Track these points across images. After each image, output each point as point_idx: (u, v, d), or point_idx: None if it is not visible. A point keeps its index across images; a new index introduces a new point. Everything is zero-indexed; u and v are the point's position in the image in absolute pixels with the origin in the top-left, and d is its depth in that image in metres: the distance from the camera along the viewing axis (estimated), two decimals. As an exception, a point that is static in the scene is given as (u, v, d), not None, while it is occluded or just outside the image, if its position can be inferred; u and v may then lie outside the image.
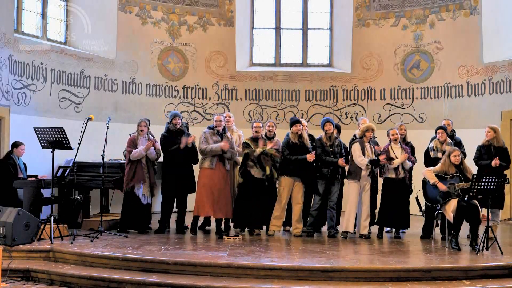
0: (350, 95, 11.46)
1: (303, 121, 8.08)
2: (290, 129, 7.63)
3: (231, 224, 7.83)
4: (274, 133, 7.85)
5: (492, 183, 6.34)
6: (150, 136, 7.77)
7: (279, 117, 11.38)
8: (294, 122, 7.66)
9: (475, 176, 6.39)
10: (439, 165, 6.96)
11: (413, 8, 11.15)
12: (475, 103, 10.43)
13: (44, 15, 10.06)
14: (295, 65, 11.94)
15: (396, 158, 7.42)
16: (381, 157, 7.39)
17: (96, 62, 10.30)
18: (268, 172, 7.46)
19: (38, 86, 9.37)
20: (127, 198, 7.64)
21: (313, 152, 7.44)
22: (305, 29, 12.00)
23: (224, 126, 7.63)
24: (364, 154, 7.43)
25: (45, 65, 9.48)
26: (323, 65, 11.93)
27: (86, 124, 6.98)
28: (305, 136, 7.63)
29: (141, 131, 7.69)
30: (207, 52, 11.38)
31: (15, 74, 8.92)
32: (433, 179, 6.81)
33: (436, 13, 10.94)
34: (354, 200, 7.49)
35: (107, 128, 7.22)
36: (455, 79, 10.73)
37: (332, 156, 7.50)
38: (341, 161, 7.43)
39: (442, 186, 6.73)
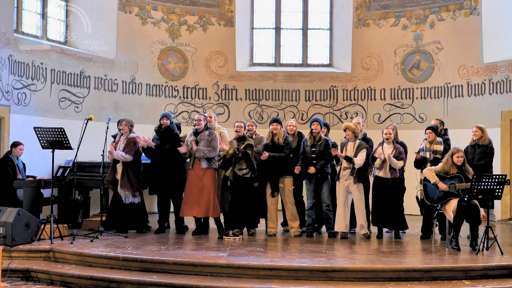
0: (350, 95, 11.45)
1: (292, 121, 8.13)
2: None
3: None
4: (255, 131, 7.88)
5: (492, 183, 6.34)
6: (132, 134, 7.66)
7: (279, 117, 11.35)
8: (272, 121, 7.70)
9: (475, 176, 6.39)
10: (440, 164, 6.95)
11: (413, 8, 11.14)
12: (475, 103, 10.43)
13: (44, 15, 10.06)
14: (295, 65, 11.94)
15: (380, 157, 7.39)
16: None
17: (96, 62, 10.31)
18: (227, 173, 7.47)
19: (38, 86, 9.37)
20: (113, 197, 7.66)
21: (265, 153, 7.41)
22: (305, 29, 12.00)
23: (206, 125, 7.56)
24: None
25: (45, 65, 9.49)
26: (323, 65, 11.92)
27: (86, 124, 6.99)
28: (280, 135, 7.54)
29: (120, 129, 7.67)
30: (207, 52, 11.38)
31: (15, 74, 8.92)
32: (434, 179, 6.80)
33: (436, 13, 10.94)
34: (341, 200, 7.51)
35: (107, 128, 7.23)
36: (455, 79, 10.73)
37: (314, 155, 7.47)
38: (296, 169, 7.46)
39: (442, 186, 6.72)
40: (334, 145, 7.67)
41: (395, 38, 11.25)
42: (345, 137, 7.64)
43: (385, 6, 11.35)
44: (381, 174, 7.46)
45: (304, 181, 7.79)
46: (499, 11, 10.22)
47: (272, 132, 7.58)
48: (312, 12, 12.03)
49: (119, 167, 7.55)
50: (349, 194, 7.50)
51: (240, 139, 7.51)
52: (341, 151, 7.48)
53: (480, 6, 10.36)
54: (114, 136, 7.97)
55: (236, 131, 7.52)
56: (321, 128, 7.64)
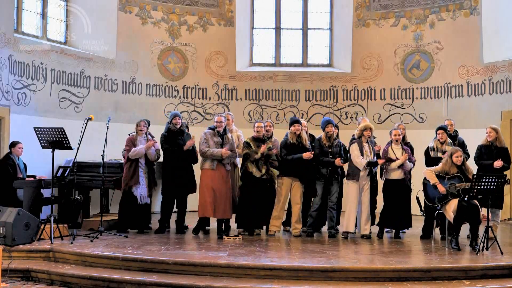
0: (350, 95, 11.46)
1: (303, 121, 8.09)
2: (290, 129, 7.64)
3: (234, 225, 7.81)
4: (272, 133, 7.88)
5: (492, 183, 6.34)
6: (149, 136, 7.77)
7: (279, 117, 11.38)
8: (294, 122, 7.66)
9: (475, 176, 6.39)
10: (440, 164, 6.95)
11: (413, 8, 11.15)
12: (475, 103, 10.43)
13: (44, 15, 10.06)
14: (295, 65, 11.94)
15: (397, 158, 7.42)
16: (380, 161, 7.42)
17: (96, 62, 10.30)
18: (264, 172, 7.47)
19: (38, 86, 9.37)
20: (124, 197, 7.65)
21: (311, 151, 7.44)
22: (305, 29, 12.00)
23: (225, 126, 7.62)
24: (362, 154, 7.43)
25: (45, 65, 9.48)
26: (323, 65, 11.93)
27: (86, 124, 6.99)
28: (304, 136, 7.62)
29: (140, 130, 7.68)
30: (207, 52, 11.38)
31: (15, 74, 8.92)
32: (433, 180, 6.80)
33: (436, 13, 10.94)
34: (354, 200, 7.49)
35: (107, 128, 7.22)
36: (455, 79, 10.73)
37: (330, 156, 7.52)
38: (337, 161, 7.44)
39: (441, 188, 6.71)
40: (346, 149, 7.71)
41: (395, 38, 11.25)
42: (354, 137, 7.60)
43: (385, 6, 11.35)
44: (393, 176, 7.46)
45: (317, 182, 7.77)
46: (499, 11, 10.23)
47: (295, 133, 7.54)
48: (312, 12, 12.03)
49: (143, 169, 7.56)
50: (360, 194, 7.50)
51: (260, 140, 7.53)
52: (361, 151, 7.43)
53: (480, 6, 10.36)
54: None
55: (257, 131, 7.54)
56: (333, 128, 7.69)
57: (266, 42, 12.05)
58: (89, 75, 10.20)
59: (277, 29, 12.03)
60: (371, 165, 7.44)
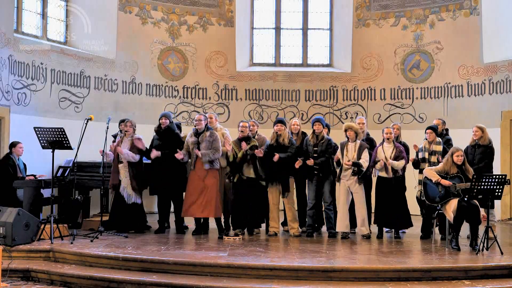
0: (350, 95, 11.46)
1: (295, 120, 8.08)
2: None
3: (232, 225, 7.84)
4: (256, 131, 7.87)
5: (492, 183, 6.34)
6: (136, 135, 7.67)
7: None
8: (276, 122, 7.69)
9: (475, 176, 6.39)
10: (441, 164, 6.94)
11: (413, 8, 11.15)
12: (475, 103, 10.43)
13: (44, 15, 10.06)
14: (295, 65, 11.94)
15: (386, 158, 7.37)
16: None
17: (96, 62, 10.31)
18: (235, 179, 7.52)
19: (38, 86, 9.38)
20: (114, 198, 7.66)
21: (276, 155, 7.36)
22: (305, 29, 12.00)
23: (206, 125, 7.55)
24: (342, 155, 7.42)
25: (45, 65, 9.49)
26: (323, 65, 11.93)
27: (86, 124, 6.99)
28: (285, 135, 7.55)
29: (126, 131, 7.64)
30: (207, 52, 11.38)
31: (15, 74, 8.93)
32: (435, 177, 6.78)
33: (436, 13, 10.94)
34: (342, 200, 7.49)
35: (107, 128, 7.23)
36: (455, 79, 10.73)
37: (315, 155, 7.48)
38: (297, 163, 7.39)
39: (445, 182, 6.68)
40: (336, 148, 7.65)
41: (395, 38, 11.25)
42: (347, 137, 7.59)
43: (385, 6, 11.35)
44: (383, 174, 7.45)
45: (306, 181, 7.78)
46: (499, 11, 10.23)
47: (276, 132, 7.56)
48: (312, 12, 12.04)
49: (123, 168, 7.55)
50: (349, 194, 7.49)
51: (245, 139, 7.52)
52: (342, 152, 7.46)
53: (480, 6, 10.36)
54: (115, 136, 7.96)
55: (241, 131, 7.52)
56: (323, 127, 7.64)
57: (266, 42, 12.05)
58: (89, 75, 10.20)
59: (277, 29, 12.04)
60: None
